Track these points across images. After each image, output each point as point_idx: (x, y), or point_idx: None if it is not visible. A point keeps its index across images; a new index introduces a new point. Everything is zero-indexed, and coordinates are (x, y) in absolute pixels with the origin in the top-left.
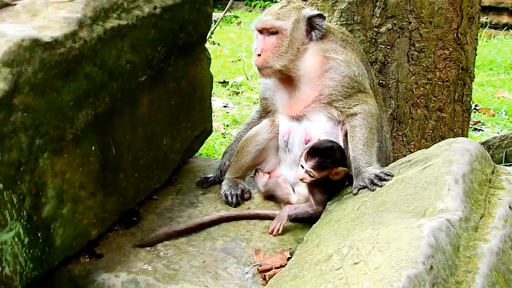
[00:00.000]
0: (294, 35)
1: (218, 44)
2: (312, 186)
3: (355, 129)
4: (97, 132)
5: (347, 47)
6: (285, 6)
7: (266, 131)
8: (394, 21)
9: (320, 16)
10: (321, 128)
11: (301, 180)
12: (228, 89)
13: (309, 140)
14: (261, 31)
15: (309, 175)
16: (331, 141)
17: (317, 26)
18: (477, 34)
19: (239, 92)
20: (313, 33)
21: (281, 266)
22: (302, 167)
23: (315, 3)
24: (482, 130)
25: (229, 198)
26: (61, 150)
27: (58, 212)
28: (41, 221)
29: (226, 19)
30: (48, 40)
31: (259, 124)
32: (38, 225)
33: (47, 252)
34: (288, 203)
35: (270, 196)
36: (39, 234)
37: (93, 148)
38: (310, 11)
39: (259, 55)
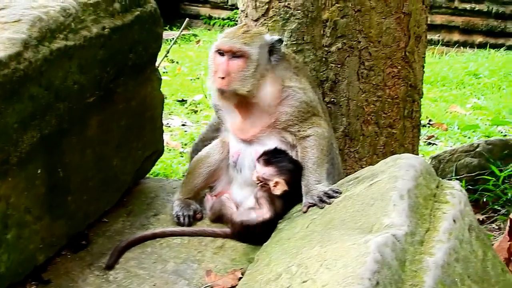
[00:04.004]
0: (259, 61)
1: (177, 62)
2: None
3: (306, 149)
4: (44, 154)
5: (299, 74)
6: (248, 30)
7: (218, 152)
8: (344, 41)
9: (280, 40)
10: None
11: (256, 179)
12: (187, 108)
13: None
14: (222, 54)
15: (256, 172)
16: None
17: (276, 51)
18: (425, 53)
19: (197, 111)
20: (272, 58)
21: (233, 287)
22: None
23: (265, 23)
24: (436, 144)
25: (181, 219)
26: (5, 173)
27: (2, 238)
28: None
29: (185, 38)
30: None
31: (210, 145)
32: None
33: None
34: (232, 221)
35: (217, 218)
36: None
37: (39, 171)
38: (271, 36)
39: (223, 78)
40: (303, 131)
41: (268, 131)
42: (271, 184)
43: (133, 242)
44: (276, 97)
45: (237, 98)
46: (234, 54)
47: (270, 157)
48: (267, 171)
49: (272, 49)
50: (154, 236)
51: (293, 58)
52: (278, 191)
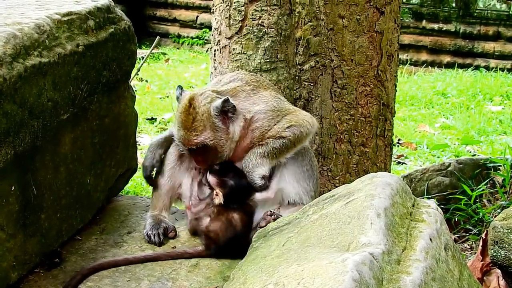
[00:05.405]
0: (220, 134)
1: (146, 80)
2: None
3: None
4: (17, 172)
5: (258, 91)
6: (195, 117)
7: (173, 153)
8: (317, 59)
9: (225, 101)
10: None
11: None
12: (156, 126)
13: None
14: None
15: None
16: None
17: (230, 109)
18: (397, 71)
19: (167, 129)
20: (229, 114)
21: None
22: None
23: (239, 41)
24: (405, 163)
25: (152, 237)
26: None
27: None
28: None
29: (154, 56)
30: None
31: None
32: None
33: None
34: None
35: (195, 232)
36: None
37: (13, 188)
38: (215, 106)
39: (203, 163)
40: (282, 131)
41: (249, 148)
42: (214, 192)
43: (99, 268)
44: (244, 130)
45: None
46: (197, 147)
47: (220, 168)
48: (211, 180)
49: (224, 110)
50: (126, 262)
51: (245, 83)
52: (216, 201)
